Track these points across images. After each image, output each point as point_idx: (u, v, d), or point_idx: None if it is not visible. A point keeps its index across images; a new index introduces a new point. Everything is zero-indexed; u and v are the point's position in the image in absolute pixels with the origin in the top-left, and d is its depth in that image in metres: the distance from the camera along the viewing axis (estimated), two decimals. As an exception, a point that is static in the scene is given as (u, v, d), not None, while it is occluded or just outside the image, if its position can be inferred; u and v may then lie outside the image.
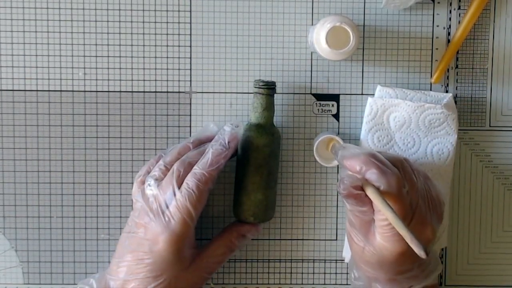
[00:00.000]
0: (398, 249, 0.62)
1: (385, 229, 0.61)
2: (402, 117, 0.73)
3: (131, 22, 0.75)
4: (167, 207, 0.67)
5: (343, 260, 0.77)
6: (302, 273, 0.78)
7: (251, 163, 0.71)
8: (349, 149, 0.66)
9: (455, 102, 0.76)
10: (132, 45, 0.75)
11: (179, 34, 0.75)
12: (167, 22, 0.75)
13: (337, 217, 0.77)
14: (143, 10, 0.75)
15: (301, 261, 0.78)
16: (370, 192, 0.60)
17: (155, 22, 0.75)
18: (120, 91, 0.76)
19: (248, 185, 0.71)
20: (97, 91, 0.75)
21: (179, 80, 0.76)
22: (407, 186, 0.62)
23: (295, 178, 0.77)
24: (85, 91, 0.75)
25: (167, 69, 0.76)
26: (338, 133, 0.76)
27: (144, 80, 0.75)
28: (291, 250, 0.78)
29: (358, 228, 0.64)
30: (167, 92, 0.76)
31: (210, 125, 0.74)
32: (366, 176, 0.61)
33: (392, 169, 0.62)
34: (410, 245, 0.57)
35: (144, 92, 0.76)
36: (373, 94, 0.75)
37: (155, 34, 0.75)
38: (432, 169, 0.73)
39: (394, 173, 0.61)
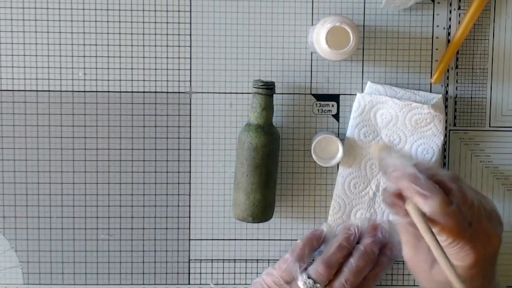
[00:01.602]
0: (470, 261, 0.61)
1: (449, 245, 0.60)
2: (389, 114, 0.73)
3: (131, 22, 0.75)
4: None
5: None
6: (302, 273, 0.78)
7: (250, 163, 0.71)
8: (395, 161, 0.65)
9: (455, 102, 0.76)
10: (132, 45, 0.75)
11: (179, 34, 0.75)
12: (167, 22, 0.75)
13: (337, 217, 0.77)
14: (143, 10, 0.75)
15: (301, 261, 0.78)
16: (412, 212, 0.60)
17: (155, 22, 0.75)
18: (120, 91, 0.76)
19: (247, 185, 0.71)
20: (97, 91, 0.75)
21: (179, 80, 0.76)
22: (455, 203, 0.61)
23: (295, 179, 0.77)
24: (85, 91, 0.75)
25: (167, 69, 0.76)
26: (338, 133, 0.76)
27: (144, 80, 0.75)
28: (291, 250, 0.78)
29: (417, 248, 0.63)
30: (167, 92, 0.76)
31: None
32: (411, 200, 0.61)
33: (435, 190, 0.60)
34: (446, 273, 0.57)
35: (144, 92, 0.76)
36: (373, 94, 0.75)
37: (155, 34, 0.75)
38: None
39: (437, 194, 0.60)
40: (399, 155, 0.70)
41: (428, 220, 0.60)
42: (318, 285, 0.69)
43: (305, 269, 0.71)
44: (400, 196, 0.62)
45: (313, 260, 0.72)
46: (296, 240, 0.76)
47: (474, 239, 0.61)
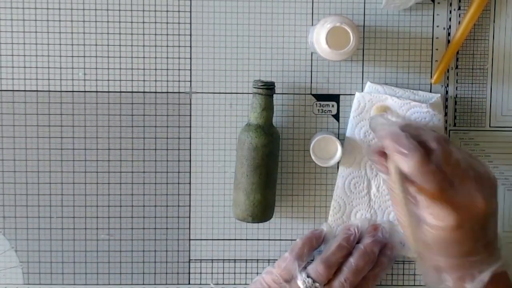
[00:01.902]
0: (452, 223, 0.61)
1: (430, 205, 0.61)
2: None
3: (131, 22, 0.75)
4: None
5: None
6: (302, 273, 0.78)
7: (250, 164, 0.71)
8: (383, 120, 0.67)
9: (455, 102, 0.76)
10: (132, 45, 0.75)
11: (179, 35, 0.75)
12: (167, 23, 0.75)
13: (337, 217, 0.77)
14: (143, 11, 0.75)
15: (301, 261, 0.78)
16: (392, 170, 0.61)
17: (155, 23, 0.75)
18: (120, 91, 0.76)
19: (247, 185, 0.71)
20: (97, 91, 0.75)
21: (179, 81, 0.76)
22: (434, 162, 0.61)
23: (295, 179, 0.77)
24: (85, 91, 0.75)
25: (167, 69, 0.76)
26: (338, 133, 0.76)
27: (144, 80, 0.75)
28: (291, 250, 0.78)
29: (403, 203, 0.63)
30: (167, 92, 0.76)
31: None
32: (391, 158, 0.62)
33: (414, 148, 0.61)
34: (405, 237, 0.58)
35: (144, 92, 0.76)
36: (373, 94, 0.75)
37: (155, 34, 0.75)
38: None
39: (415, 152, 0.60)
40: (394, 115, 0.71)
41: (407, 179, 0.61)
42: (317, 284, 0.69)
43: (305, 268, 0.71)
44: (383, 154, 0.63)
45: (312, 260, 0.72)
46: (296, 240, 0.76)
47: (455, 199, 0.61)
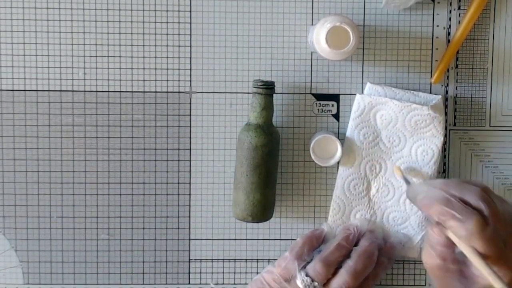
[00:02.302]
0: (508, 281, 0.60)
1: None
2: (388, 115, 0.73)
3: (131, 22, 0.75)
4: None
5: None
6: (302, 273, 0.78)
7: (249, 163, 0.71)
8: (421, 190, 0.64)
9: (455, 102, 0.76)
10: (132, 45, 0.75)
11: (179, 34, 0.75)
12: (167, 22, 0.75)
13: (337, 217, 0.77)
14: (143, 10, 0.75)
15: (301, 261, 0.78)
16: (453, 238, 0.59)
17: (155, 22, 0.75)
18: (120, 91, 0.76)
19: (247, 185, 0.71)
20: (97, 91, 0.75)
21: (179, 80, 0.76)
22: (491, 223, 0.59)
23: (295, 178, 0.77)
24: (85, 91, 0.75)
25: (167, 69, 0.76)
26: (338, 133, 0.76)
27: (144, 80, 0.75)
28: (291, 250, 0.78)
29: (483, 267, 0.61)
30: (167, 92, 0.76)
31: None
32: (447, 226, 0.60)
33: (469, 212, 0.59)
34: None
35: (144, 92, 0.76)
36: (373, 94, 0.75)
37: (155, 34, 0.75)
38: (415, 169, 0.74)
39: (472, 215, 0.59)
40: (423, 184, 0.68)
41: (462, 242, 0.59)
42: (316, 283, 0.69)
43: (304, 267, 0.71)
44: (448, 244, 0.61)
45: (312, 259, 0.72)
46: (296, 240, 0.76)
47: (510, 258, 0.60)
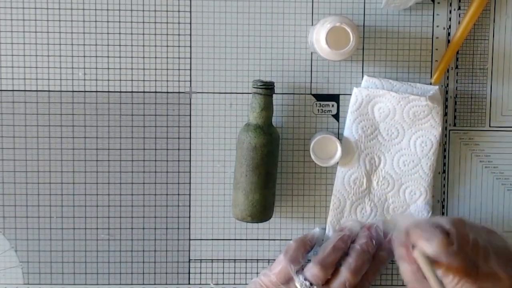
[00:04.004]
0: None
1: (459, 282, 0.62)
2: (386, 108, 0.73)
3: (131, 22, 0.75)
4: None
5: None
6: (302, 273, 0.78)
7: (249, 163, 0.71)
8: (403, 219, 0.69)
9: (455, 102, 0.76)
10: (132, 45, 0.75)
11: (179, 35, 0.75)
12: (167, 23, 0.75)
13: (337, 217, 0.77)
14: (143, 11, 0.75)
15: (301, 261, 0.78)
16: (418, 256, 0.63)
17: (155, 22, 0.75)
18: (120, 91, 0.76)
19: (246, 185, 0.71)
20: (97, 91, 0.75)
21: (179, 80, 0.76)
22: (456, 244, 0.63)
23: (294, 179, 0.77)
24: (85, 91, 0.75)
25: (167, 69, 0.76)
26: (338, 133, 0.76)
27: (144, 80, 0.75)
28: (291, 250, 0.78)
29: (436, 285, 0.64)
30: (167, 92, 0.76)
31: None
32: (416, 245, 0.64)
33: (435, 231, 0.63)
34: None
35: (144, 92, 0.76)
36: (373, 94, 0.75)
37: (155, 34, 0.75)
38: (414, 160, 0.74)
39: (437, 235, 0.62)
40: (404, 216, 0.74)
41: (435, 262, 0.62)
42: (315, 287, 0.70)
43: (302, 269, 0.71)
44: (407, 247, 0.65)
45: (309, 261, 0.72)
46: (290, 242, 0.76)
47: (482, 279, 0.62)
